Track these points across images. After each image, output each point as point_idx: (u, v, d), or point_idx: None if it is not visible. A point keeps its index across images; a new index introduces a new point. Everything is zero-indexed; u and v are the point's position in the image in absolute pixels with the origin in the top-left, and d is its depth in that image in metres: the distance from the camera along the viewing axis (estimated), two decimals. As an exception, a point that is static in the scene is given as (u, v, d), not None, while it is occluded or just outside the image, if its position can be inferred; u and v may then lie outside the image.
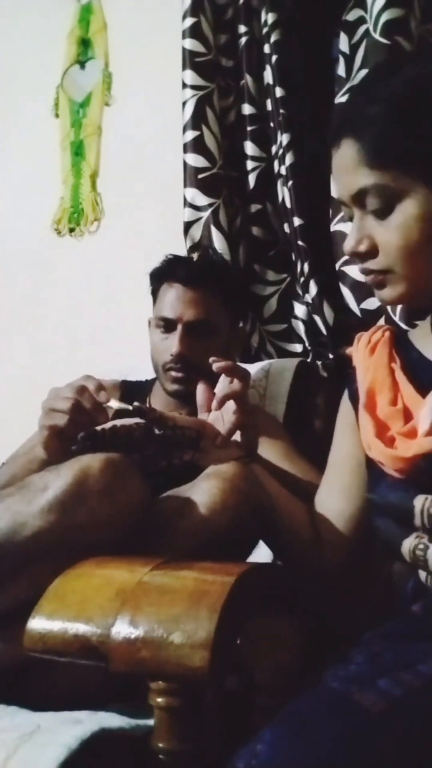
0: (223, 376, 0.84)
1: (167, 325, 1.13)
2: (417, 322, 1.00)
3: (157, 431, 0.80)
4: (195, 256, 1.33)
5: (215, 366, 0.81)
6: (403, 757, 0.43)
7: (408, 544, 0.55)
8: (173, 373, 1.12)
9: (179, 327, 1.11)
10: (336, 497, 0.81)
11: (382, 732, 0.44)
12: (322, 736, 0.44)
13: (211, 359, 0.82)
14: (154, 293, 1.20)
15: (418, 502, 0.55)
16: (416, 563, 0.55)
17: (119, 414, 0.85)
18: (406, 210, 0.65)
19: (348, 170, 0.68)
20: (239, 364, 0.88)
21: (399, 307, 1.18)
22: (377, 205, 0.66)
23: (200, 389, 0.89)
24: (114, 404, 0.85)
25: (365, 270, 0.71)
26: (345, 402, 0.83)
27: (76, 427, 0.83)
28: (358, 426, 0.74)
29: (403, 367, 0.74)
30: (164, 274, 1.18)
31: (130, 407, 0.81)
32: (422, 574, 0.63)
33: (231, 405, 0.83)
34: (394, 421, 0.68)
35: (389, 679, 0.50)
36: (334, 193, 0.73)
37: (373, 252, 0.69)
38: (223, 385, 0.85)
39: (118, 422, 0.82)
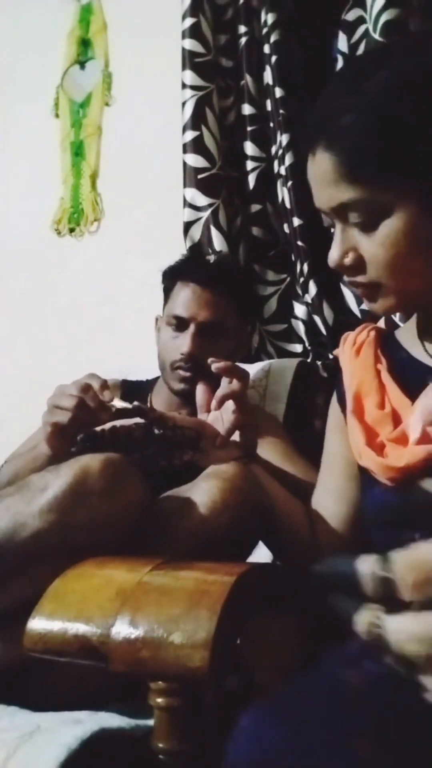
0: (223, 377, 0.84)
1: (179, 324, 1.13)
2: (401, 324, 1.00)
3: (156, 431, 0.80)
4: (211, 257, 1.33)
5: (214, 366, 0.81)
6: (385, 728, 0.44)
7: (361, 620, 0.41)
8: (181, 372, 1.12)
9: (192, 326, 1.11)
10: (330, 499, 0.80)
11: (367, 708, 0.45)
12: (308, 707, 0.44)
13: (209, 360, 0.82)
14: (167, 291, 1.20)
15: (365, 565, 0.41)
16: (376, 643, 0.41)
17: (121, 413, 0.85)
18: (393, 225, 0.61)
19: (326, 183, 0.64)
20: (238, 364, 0.88)
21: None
22: (361, 219, 0.63)
23: (200, 390, 0.89)
24: (117, 403, 0.85)
25: (353, 283, 0.68)
26: (334, 404, 0.82)
27: (78, 424, 0.84)
28: (348, 429, 0.74)
29: (390, 367, 0.72)
30: (180, 272, 1.18)
31: (132, 405, 0.81)
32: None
33: (230, 405, 0.83)
34: (383, 426, 0.67)
35: (375, 661, 0.50)
36: (315, 203, 0.68)
37: (359, 265, 0.65)
38: (223, 385, 0.85)
39: (118, 423, 0.82)
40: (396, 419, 0.67)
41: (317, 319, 1.31)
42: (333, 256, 0.67)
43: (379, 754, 0.42)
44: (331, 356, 1.29)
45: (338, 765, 0.42)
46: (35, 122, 1.98)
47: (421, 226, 0.61)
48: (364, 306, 1.23)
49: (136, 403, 0.82)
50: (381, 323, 1.18)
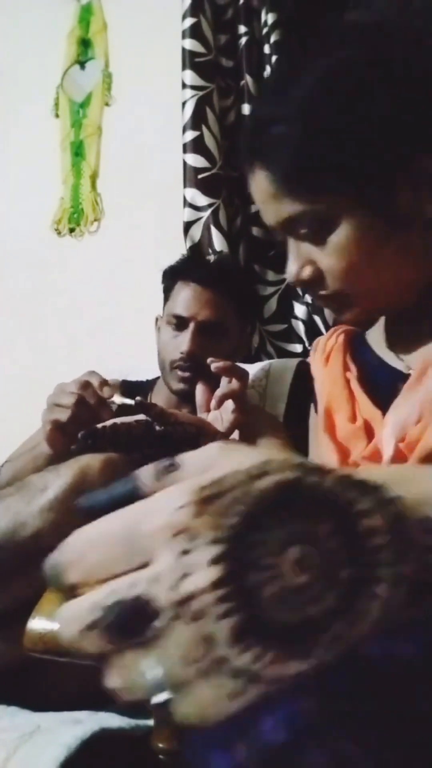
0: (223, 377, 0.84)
1: (179, 323, 1.13)
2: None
3: (157, 428, 0.80)
4: (212, 258, 1.34)
5: (214, 366, 0.81)
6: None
7: None
8: (180, 372, 1.12)
9: (191, 326, 1.11)
10: None
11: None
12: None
13: (209, 360, 0.82)
14: (167, 291, 1.20)
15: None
16: None
17: (122, 410, 0.85)
18: (342, 235, 0.59)
19: (268, 200, 0.61)
20: (238, 364, 0.88)
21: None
22: (309, 232, 0.60)
23: (199, 389, 0.89)
24: (117, 400, 0.85)
25: (318, 298, 0.65)
26: (312, 413, 0.81)
27: (78, 421, 0.84)
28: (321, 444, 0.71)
29: (360, 375, 0.70)
30: (180, 272, 1.18)
31: (133, 402, 0.81)
32: None
33: (229, 404, 0.83)
34: (356, 442, 0.64)
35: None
36: (264, 220, 0.65)
37: (318, 279, 0.63)
38: (222, 385, 0.85)
39: (119, 420, 0.82)
40: (369, 433, 0.64)
41: (317, 319, 1.31)
42: (290, 272, 0.64)
43: None
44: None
45: None
46: (35, 122, 1.98)
47: (370, 230, 0.58)
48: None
49: (138, 398, 0.82)
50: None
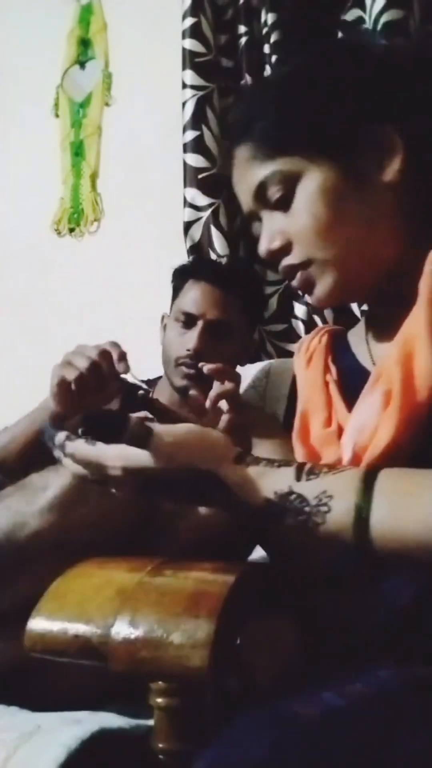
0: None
1: (187, 321, 1.13)
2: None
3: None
4: (224, 260, 1.36)
5: (206, 368, 0.82)
6: (335, 765, 0.42)
7: (56, 441, 0.59)
8: (185, 369, 1.12)
9: (199, 324, 1.12)
10: None
11: (313, 740, 0.43)
12: (255, 748, 0.42)
13: (200, 363, 0.83)
14: (177, 289, 1.21)
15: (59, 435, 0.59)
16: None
17: (128, 389, 0.85)
18: (307, 188, 0.63)
19: (245, 172, 0.67)
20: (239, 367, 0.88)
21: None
22: (279, 195, 0.64)
23: (193, 396, 0.90)
24: (130, 378, 0.85)
25: (285, 269, 0.67)
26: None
27: (84, 386, 0.85)
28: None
29: (339, 378, 0.70)
30: (192, 270, 1.19)
31: (143, 386, 0.82)
32: None
33: (223, 405, 0.83)
34: (328, 446, 0.64)
35: (335, 692, 0.49)
36: (243, 208, 0.71)
37: (287, 247, 0.66)
38: (215, 386, 0.86)
39: None
40: (341, 437, 0.64)
41: (317, 319, 1.31)
42: (262, 245, 0.67)
43: None
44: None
45: None
46: (35, 122, 1.98)
47: (331, 184, 0.62)
48: (365, 306, 1.24)
49: (141, 392, 0.82)
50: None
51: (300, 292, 0.69)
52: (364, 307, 1.24)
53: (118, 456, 0.54)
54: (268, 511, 0.52)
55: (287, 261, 0.66)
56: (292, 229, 0.65)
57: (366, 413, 0.60)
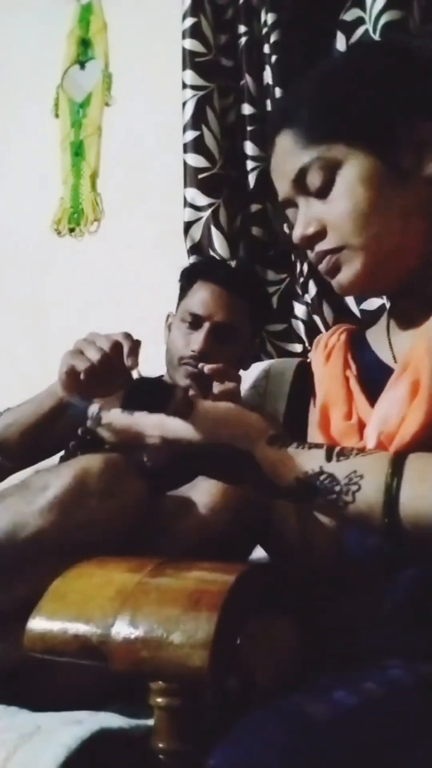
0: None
1: (194, 322, 1.13)
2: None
3: None
4: (233, 263, 1.37)
5: (207, 368, 0.82)
6: (349, 766, 0.42)
7: (90, 413, 0.61)
8: (188, 368, 1.12)
9: (206, 325, 1.12)
10: None
11: (327, 741, 0.43)
12: (269, 748, 0.43)
13: (200, 364, 0.83)
14: (184, 289, 1.21)
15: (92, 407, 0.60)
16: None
17: (134, 384, 0.86)
18: (347, 175, 0.64)
19: (286, 158, 0.68)
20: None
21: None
22: (319, 181, 0.65)
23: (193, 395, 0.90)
24: (136, 374, 0.86)
25: (318, 254, 0.68)
26: (312, 407, 0.81)
27: (94, 377, 0.85)
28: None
29: (358, 374, 0.71)
30: (201, 272, 1.19)
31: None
32: None
33: None
34: (349, 438, 0.65)
35: (348, 691, 0.49)
36: (280, 195, 0.72)
37: (322, 233, 0.67)
38: (216, 387, 0.86)
39: None
40: (362, 430, 0.65)
41: (317, 319, 1.31)
42: (297, 230, 0.68)
43: None
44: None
45: None
46: (35, 122, 1.98)
47: (372, 173, 0.63)
48: (364, 305, 1.24)
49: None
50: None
51: (326, 276, 0.70)
52: (365, 306, 1.24)
53: (157, 425, 0.57)
54: (299, 491, 0.54)
55: (320, 246, 0.67)
56: (329, 215, 0.66)
57: (392, 404, 0.61)
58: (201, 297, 1.14)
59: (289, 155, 0.68)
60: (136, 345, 0.87)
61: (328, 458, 0.54)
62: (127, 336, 0.89)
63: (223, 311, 1.12)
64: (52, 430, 1.05)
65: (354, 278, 0.67)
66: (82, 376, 0.86)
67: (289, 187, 0.69)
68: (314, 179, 0.66)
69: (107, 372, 0.85)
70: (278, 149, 0.69)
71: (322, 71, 0.68)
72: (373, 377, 0.69)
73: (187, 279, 1.20)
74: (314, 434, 0.73)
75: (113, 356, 0.85)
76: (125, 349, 0.86)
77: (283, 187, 0.70)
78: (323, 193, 0.66)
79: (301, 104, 0.68)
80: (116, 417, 0.58)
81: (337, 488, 0.52)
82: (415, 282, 0.68)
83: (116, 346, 0.86)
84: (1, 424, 1.04)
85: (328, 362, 0.75)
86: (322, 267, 0.69)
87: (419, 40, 0.69)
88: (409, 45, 0.71)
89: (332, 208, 0.65)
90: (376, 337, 0.75)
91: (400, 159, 0.63)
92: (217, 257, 1.40)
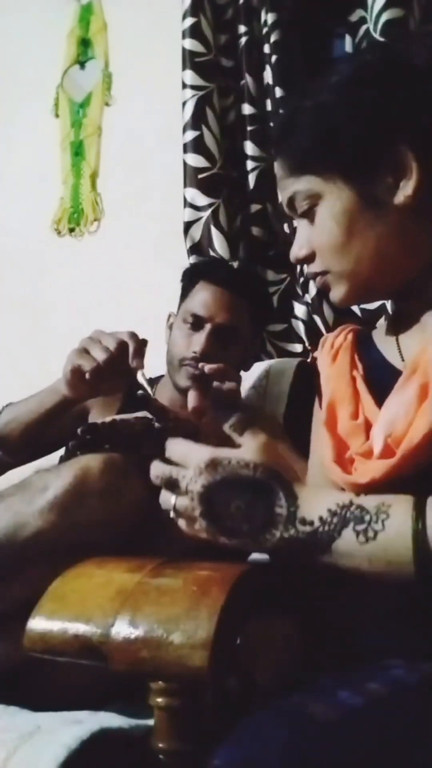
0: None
1: (195, 323, 1.13)
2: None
3: (157, 424, 0.80)
4: (235, 264, 1.37)
5: (207, 368, 0.82)
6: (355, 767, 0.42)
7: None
8: (190, 369, 1.12)
9: (207, 327, 1.11)
10: None
11: (332, 742, 0.44)
12: (273, 749, 0.43)
13: (200, 364, 0.83)
14: (186, 289, 1.20)
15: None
16: None
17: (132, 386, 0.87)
18: (325, 208, 0.68)
19: (281, 182, 0.73)
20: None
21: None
22: (304, 209, 0.70)
23: (192, 396, 0.90)
24: (140, 378, 0.86)
25: (309, 274, 0.73)
26: (316, 407, 0.81)
27: (100, 376, 0.86)
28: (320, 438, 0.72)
29: (365, 374, 0.72)
30: (203, 272, 1.19)
31: (146, 385, 0.83)
32: None
33: None
34: (355, 438, 0.66)
35: (352, 691, 0.49)
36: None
37: (311, 256, 0.71)
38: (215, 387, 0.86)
39: (118, 417, 0.82)
40: (368, 430, 0.66)
41: (317, 318, 1.31)
42: (293, 250, 0.73)
43: None
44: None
45: None
46: (35, 122, 1.98)
47: (350, 210, 0.66)
48: (364, 305, 1.24)
49: (140, 392, 0.82)
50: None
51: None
52: (365, 305, 1.24)
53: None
54: (329, 521, 0.55)
55: (310, 268, 0.73)
56: (313, 241, 0.70)
57: (400, 406, 0.61)
58: (203, 298, 1.14)
59: (281, 181, 0.72)
60: (141, 345, 0.88)
61: (357, 493, 0.57)
62: (133, 335, 0.89)
63: (225, 313, 1.12)
64: (53, 427, 1.05)
65: (344, 297, 0.71)
66: (87, 376, 0.86)
67: (287, 209, 0.73)
68: (301, 207, 0.70)
69: (112, 371, 0.85)
70: (276, 172, 0.74)
71: (314, 102, 0.69)
72: (379, 377, 0.69)
73: (189, 279, 1.20)
74: (320, 434, 0.73)
75: (119, 356, 0.85)
76: (131, 349, 0.86)
77: (284, 206, 0.74)
78: (310, 219, 0.70)
79: (289, 134, 0.71)
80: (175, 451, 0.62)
81: (367, 517, 0.53)
82: (417, 284, 0.69)
83: (122, 346, 0.86)
84: (2, 420, 1.04)
85: (334, 362, 0.75)
86: (316, 285, 0.73)
87: (412, 52, 0.68)
88: (373, 63, 0.70)
89: (315, 235, 0.70)
90: (382, 337, 0.75)
91: (375, 188, 0.65)
92: (218, 257, 1.40)
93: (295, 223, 0.74)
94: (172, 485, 0.60)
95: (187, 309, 1.15)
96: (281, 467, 0.59)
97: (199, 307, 1.13)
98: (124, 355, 0.86)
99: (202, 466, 0.58)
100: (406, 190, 0.64)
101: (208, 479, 0.57)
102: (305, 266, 0.74)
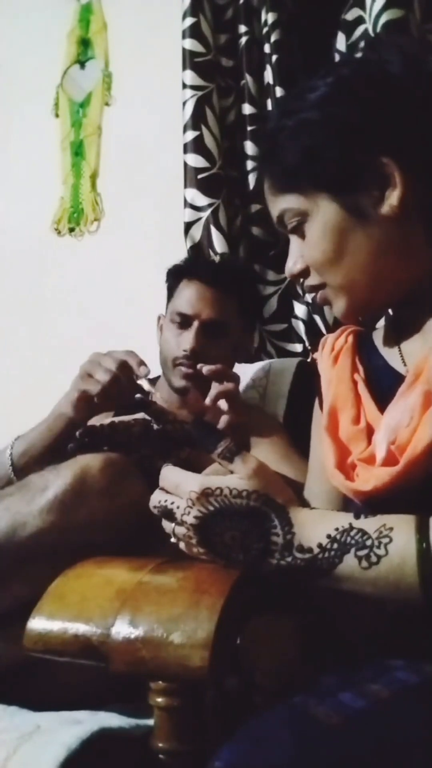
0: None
1: (183, 321, 1.13)
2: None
3: (155, 426, 0.81)
4: (218, 258, 1.36)
5: (206, 369, 0.82)
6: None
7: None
8: (183, 369, 1.12)
9: (195, 324, 1.12)
10: (316, 503, 0.79)
11: (336, 745, 0.43)
12: (276, 751, 0.43)
13: (199, 365, 0.83)
14: (171, 289, 1.21)
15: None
16: None
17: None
18: (313, 226, 0.67)
19: (269, 199, 0.72)
20: (239, 365, 0.89)
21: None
22: (294, 225, 0.69)
23: (192, 396, 0.90)
24: (145, 385, 0.88)
25: (306, 289, 0.73)
26: (316, 408, 0.81)
27: (107, 397, 0.87)
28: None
29: (366, 377, 0.71)
30: (186, 270, 1.19)
31: (145, 387, 0.84)
32: None
33: (223, 405, 0.83)
34: (357, 443, 0.66)
35: (353, 692, 0.49)
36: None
37: (306, 271, 0.71)
38: (214, 386, 0.86)
39: (117, 419, 0.83)
40: (370, 435, 0.65)
41: (317, 318, 1.31)
42: (287, 265, 0.73)
43: None
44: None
45: None
46: (35, 122, 1.98)
47: (337, 225, 0.66)
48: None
49: (138, 395, 0.83)
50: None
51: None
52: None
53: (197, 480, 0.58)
54: (329, 548, 0.53)
55: (307, 282, 0.72)
56: (306, 257, 0.70)
57: (403, 413, 0.61)
58: (187, 296, 1.14)
59: (269, 197, 0.72)
60: (141, 361, 0.90)
61: (356, 516, 0.55)
62: (130, 353, 0.91)
63: (210, 308, 1.12)
64: (64, 450, 1.06)
65: (345, 311, 0.70)
66: (96, 400, 0.88)
67: (277, 225, 0.73)
68: (290, 223, 0.70)
69: (118, 390, 0.87)
70: (265, 190, 0.73)
71: (293, 122, 0.68)
72: (381, 382, 0.69)
73: (173, 279, 1.20)
74: (320, 437, 0.73)
75: (121, 375, 0.87)
76: (134, 366, 0.88)
77: (275, 223, 0.74)
78: (301, 236, 0.69)
79: (271, 154, 0.71)
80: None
81: (369, 542, 0.52)
82: (417, 291, 0.68)
83: (124, 366, 0.88)
84: (15, 453, 1.03)
85: (336, 364, 0.75)
86: (317, 301, 0.72)
87: (386, 61, 0.66)
88: (372, 76, 0.67)
89: (307, 252, 0.69)
90: (383, 340, 0.75)
91: (364, 201, 0.65)
92: (212, 257, 1.39)
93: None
94: (168, 515, 0.59)
95: (174, 308, 1.15)
96: (275, 491, 0.57)
97: (184, 306, 1.13)
98: (127, 373, 0.87)
99: (193, 498, 0.56)
100: (391, 200, 0.63)
101: (201, 510, 0.56)
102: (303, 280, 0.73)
